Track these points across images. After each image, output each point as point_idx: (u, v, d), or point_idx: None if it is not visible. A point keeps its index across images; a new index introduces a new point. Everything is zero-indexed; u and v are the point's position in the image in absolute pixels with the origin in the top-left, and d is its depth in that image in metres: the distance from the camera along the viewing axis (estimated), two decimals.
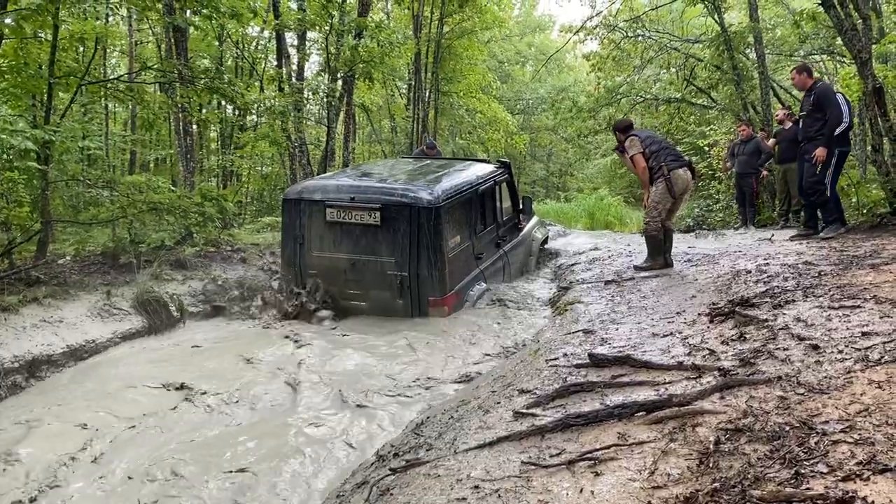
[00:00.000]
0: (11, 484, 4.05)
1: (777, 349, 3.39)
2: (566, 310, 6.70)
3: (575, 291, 7.38)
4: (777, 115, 13.11)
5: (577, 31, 18.81)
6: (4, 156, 6.80)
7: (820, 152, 8.09)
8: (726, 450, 2.34)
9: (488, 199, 8.66)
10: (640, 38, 18.88)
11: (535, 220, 11.22)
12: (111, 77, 12.49)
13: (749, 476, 2.08)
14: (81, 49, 14.46)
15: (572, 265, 9.52)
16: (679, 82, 19.28)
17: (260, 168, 20.63)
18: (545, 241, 11.37)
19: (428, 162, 9.91)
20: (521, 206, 9.95)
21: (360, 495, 3.13)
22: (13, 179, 9.02)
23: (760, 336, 3.75)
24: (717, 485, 2.07)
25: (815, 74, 8.93)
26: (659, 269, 7.61)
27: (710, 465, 2.27)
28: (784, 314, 4.10)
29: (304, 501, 3.77)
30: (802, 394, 2.68)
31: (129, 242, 8.67)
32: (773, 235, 10.62)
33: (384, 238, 7.45)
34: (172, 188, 10.19)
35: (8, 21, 7.95)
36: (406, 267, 7.38)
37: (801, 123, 8.80)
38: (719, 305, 5.01)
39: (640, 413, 2.95)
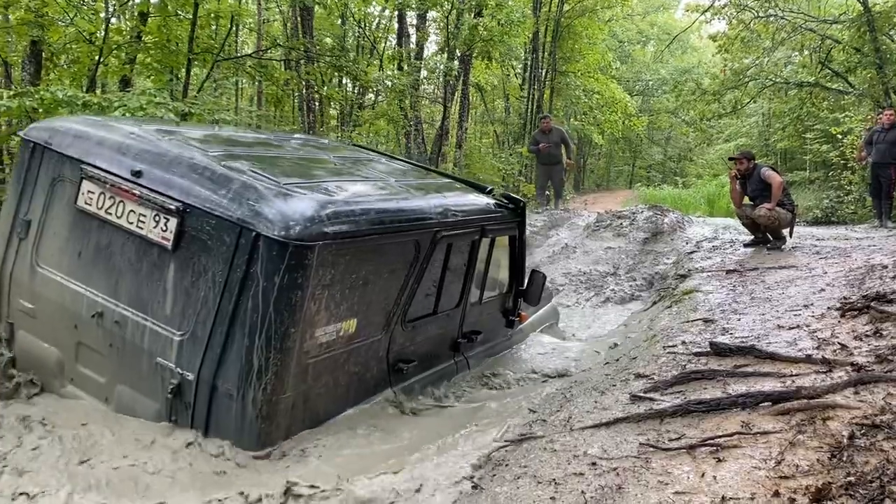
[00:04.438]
0: None
1: None
2: (684, 298, 6.55)
3: (694, 280, 7.19)
4: None
5: (705, 11, 18.07)
6: None
7: None
8: (861, 445, 2.26)
9: (455, 257, 4.51)
10: (771, 18, 17.93)
11: (545, 309, 6.68)
12: (241, 54, 13.07)
13: (889, 472, 2.00)
14: (214, 27, 15.22)
15: (691, 253, 9.24)
16: (813, 65, 18.22)
17: (376, 145, 21.07)
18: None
19: (380, 158, 5.49)
20: (523, 286, 5.57)
21: (474, 463, 3.20)
22: None
23: None
24: (851, 479, 2.01)
25: None
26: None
27: (844, 458, 2.19)
28: None
29: None
30: None
31: None
32: None
33: (173, 278, 3.55)
34: None
35: (153, 0, 8.49)
36: (195, 358, 3.44)
37: None
38: (851, 300, 4.76)
39: (766, 403, 2.87)
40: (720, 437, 2.62)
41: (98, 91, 9.31)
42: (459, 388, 4.78)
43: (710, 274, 7.29)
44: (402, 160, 5.86)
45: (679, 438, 2.74)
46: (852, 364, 3.17)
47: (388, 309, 3.92)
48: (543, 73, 20.31)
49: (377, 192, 4.08)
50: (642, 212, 12.52)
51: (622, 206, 22.36)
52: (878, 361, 3.14)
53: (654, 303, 7.77)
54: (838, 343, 3.66)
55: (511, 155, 16.88)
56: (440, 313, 4.46)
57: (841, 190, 17.11)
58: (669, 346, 4.44)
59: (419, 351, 4.32)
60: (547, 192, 14.82)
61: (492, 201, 4.98)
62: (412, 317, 4.17)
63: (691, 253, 9.25)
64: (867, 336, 3.69)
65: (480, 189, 5.12)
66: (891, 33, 15.66)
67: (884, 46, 14.99)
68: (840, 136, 17.28)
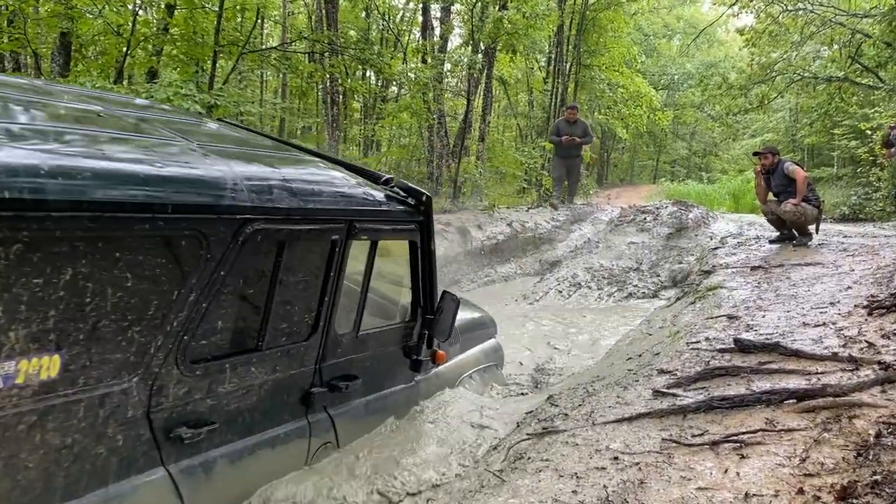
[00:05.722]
0: None
1: None
2: (707, 294, 6.50)
3: (718, 276, 7.13)
4: None
5: (733, 5, 17.85)
6: None
7: None
8: (889, 444, 2.23)
9: (297, 264, 3.02)
10: (800, 11, 17.66)
11: (482, 348, 5.11)
12: (267, 47, 13.15)
13: None
14: (240, 19, 15.32)
15: (715, 249, 9.16)
16: (842, 60, 17.93)
17: (398, 138, 21.12)
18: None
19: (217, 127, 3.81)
20: (434, 306, 3.92)
21: (496, 456, 3.22)
22: None
23: None
24: (878, 477, 1.99)
25: None
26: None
27: (870, 457, 2.18)
28: None
29: None
30: None
31: None
32: None
33: None
34: None
35: None
36: None
37: None
38: (879, 298, 4.71)
39: (790, 400, 2.85)
40: (744, 433, 2.61)
41: (125, 82, 9.42)
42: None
43: (734, 270, 7.22)
44: (267, 136, 4.03)
45: (702, 434, 2.73)
46: (879, 363, 3.14)
47: (145, 339, 2.43)
48: (568, 67, 20.19)
49: (113, 150, 2.42)
50: (666, 207, 12.45)
51: (646, 200, 22.23)
52: None
53: (678, 299, 7.71)
54: (865, 341, 3.62)
55: (534, 149, 16.81)
56: (270, 349, 2.87)
57: (869, 187, 16.88)
58: (693, 343, 4.41)
59: (225, 408, 2.72)
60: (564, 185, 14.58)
61: (377, 192, 3.44)
62: (204, 354, 2.65)
63: (715, 249, 9.18)
64: (895, 335, 3.64)
65: (372, 178, 3.60)
66: None
67: None
68: (869, 132, 17.03)
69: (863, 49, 16.90)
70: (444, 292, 3.88)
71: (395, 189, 3.59)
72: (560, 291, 9.94)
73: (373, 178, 3.62)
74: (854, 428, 2.45)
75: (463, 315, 4.50)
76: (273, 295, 2.86)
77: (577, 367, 6.37)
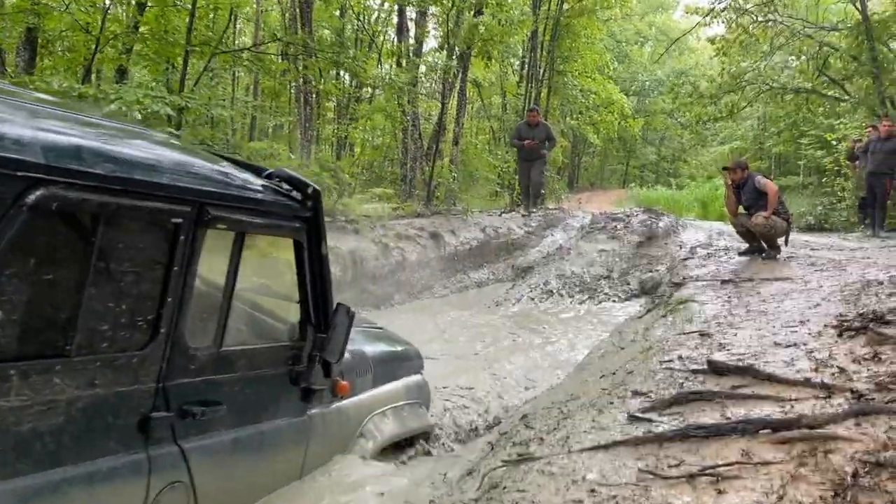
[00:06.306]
0: None
1: None
2: (679, 308, 6.54)
3: (688, 288, 7.18)
4: None
5: (706, 15, 18.06)
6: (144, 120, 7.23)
7: None
8: (866, 485, 2.24)
9: (116, 251, 2.32)
10: (770, 22, 17.94)
11: (405, 382, 4.44)
12: (240, 47, 12.97)
13: None
14: (212, 16, 15.10)
15: (685, 260, 9.24)
16: (810, 72, 18.25)
17: (372, 139, 21.00)
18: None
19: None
20: (327, 329, 3.24)
21: (470, 483, 3.19)
22: None
23: None
24: None
25: None
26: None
27: (848, 498, 2.18)
28: None
29: None
30: None
31: None
32: None
33: None
34: (291, 156, 10.55)
35: None
36: None
37: None
38: (848, 318, 4.76)
39: (766, 430, 2.86)
40: (720, 465, 2.61)
41: (94, 79, 9.22)
42: None
43: (705, 283, 7.29)
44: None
45: (678, 465, 2.72)
46: (852, 391, 3.16)
47: None
48: (541, 72, 20.27)
49: None
50: (637, 215, 12.58)
51: (615, 205, 22.38)
52: (877, 389, 3.13)
53: (649, 310, 7.76)
54: (837, 366, 3.65)
55: (507, 152, 16.83)
56: (84, 356, 2.23)
57: (834, 196, 17.20)
58: (666, 362, 4.42)
59: (13, 429, 2.06)
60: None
61: (245, 175, 2.92)
62: None
63: (686, 259, 9.25)
64: (866, 360, 3.68)
65: (253, 170, 3.11)
66: (888, 42, 15.69)
67: (881, 55, 15.04)
68: (834, 143, 17.35)
69: (830, 62, 17.21)
70: (339, 305, 3.23)
71: (276, 179, 3.06)
72: (532, 298, 9.97)
73: (254, 170, 3.13)
74: (830, 464, 2.46)
75: (380, 346, 4.27)
76: (85, 285, 2.21)
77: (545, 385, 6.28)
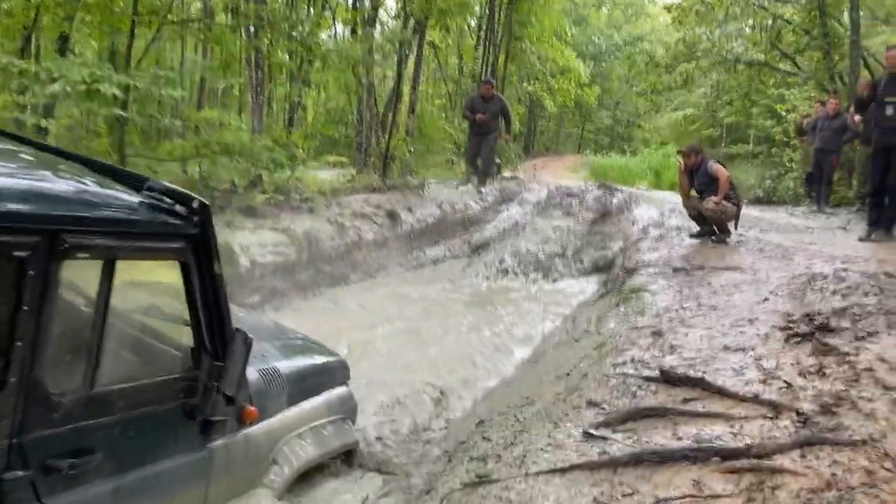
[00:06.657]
0: None
1: (861, 398, 3.33)
2: (631, 296, 6.66)
3: (641, 276, 7.31)
4: (861, 88, 12.47)
5: None
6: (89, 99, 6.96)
7: None
8: None
9: None
10: None
11: (326, 399, 3.97)
12: (191, 18, 12.46)
13: None
14: None
15: (637, 241, 9.39)
16: (763, 43, 18.47)
17: (325, 103, 20.61)
18: None
19: None
20: (225, 347, 2.82)
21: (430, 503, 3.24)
22: (93, 111, 9.20)
23: (842, 375, 3.68)
24: None
25: None
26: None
27: None
28: (867, 349, 4.02)
29: None
30: (890, 470, 2.64)
31: (202, 184, 8.80)
32: (849, 223, 10.33)
33: None
34: (242, 126, 10.31)
35: None
36: None
37: (888, 108, 8.21)
38: (794, 319, 4.92)
39: (716, 458, 2.96)
40: (673, 499, 2.69)
41: (34, 51, 8.81)
42: None
43: (657, 271, 7.41)
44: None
45: (632, 495, 2.80)
46: (797, 412, 3.28)
47: None
48: (499, 38, 20.07)
49: None
50: (591, 191, 12.71)
51: (570, 171, 22.50)
52: (822, 412, 3.25)
53: (602, 296, 7.90)
54: (783, 380, 3.77)
55: (464, 120, 16.71)
56: None
57: (782, 167, 17.56)
58: (619, 364, 4.52)
59: None
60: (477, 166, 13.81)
61: (116, 193, 2.57)
62: None
63: (638, 241, 9.40)
64: (811, 373, 3.81)
65: (129, 180, 2.76)
66: (839, 18, 15.93)
67: (832, 31, 15.25)
68: (784, 114, 17.67)
69: (783, 34, 17.42)
70: (237, 331, 2.85)
71: (155, 194, 2.64)
72: (487, 277, 10.03)
73: (130, 180, 2.76)
74: (777, 501, 2.55)
75: (297, 360, 3.88)
76: None
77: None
